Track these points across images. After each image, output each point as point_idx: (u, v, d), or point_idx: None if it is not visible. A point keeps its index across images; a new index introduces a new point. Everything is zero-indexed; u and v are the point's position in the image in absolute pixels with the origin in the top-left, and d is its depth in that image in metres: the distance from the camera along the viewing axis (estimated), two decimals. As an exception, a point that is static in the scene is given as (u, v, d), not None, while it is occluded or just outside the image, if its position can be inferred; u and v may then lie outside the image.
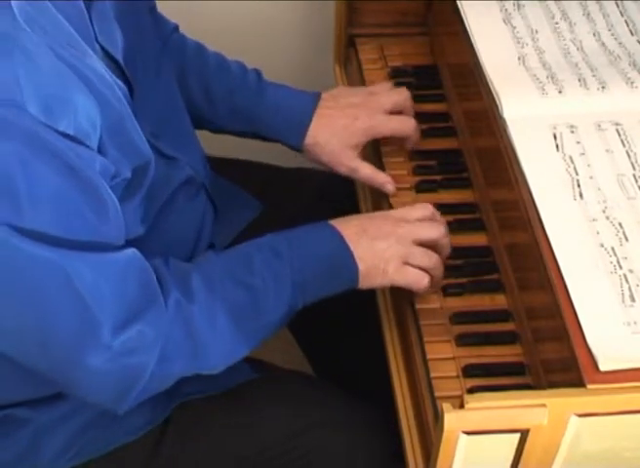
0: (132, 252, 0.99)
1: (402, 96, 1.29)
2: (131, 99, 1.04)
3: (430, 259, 1.10)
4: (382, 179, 1.25)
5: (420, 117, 1.33)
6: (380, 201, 1.27)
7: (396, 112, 1.28)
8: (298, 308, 1.08)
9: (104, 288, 0.95)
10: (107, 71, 0.99)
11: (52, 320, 0.95)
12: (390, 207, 1.24)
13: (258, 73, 1.31)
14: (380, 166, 1.29)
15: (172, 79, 1.23)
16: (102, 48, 1.02)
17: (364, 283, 1.09)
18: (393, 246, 1.08)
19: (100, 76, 0.96)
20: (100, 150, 0.95)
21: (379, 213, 1.16)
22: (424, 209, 1.13)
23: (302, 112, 1.27)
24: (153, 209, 1.09)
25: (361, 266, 1.08)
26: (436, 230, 1.11)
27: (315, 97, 1.29)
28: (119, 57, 1.05)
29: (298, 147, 1.28)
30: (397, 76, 1.39)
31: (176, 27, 1.33)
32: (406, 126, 1.27)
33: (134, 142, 1.01)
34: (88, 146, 0.93)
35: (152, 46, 1.19)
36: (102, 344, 0.96)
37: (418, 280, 1.09)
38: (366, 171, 1.26)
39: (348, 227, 1.09)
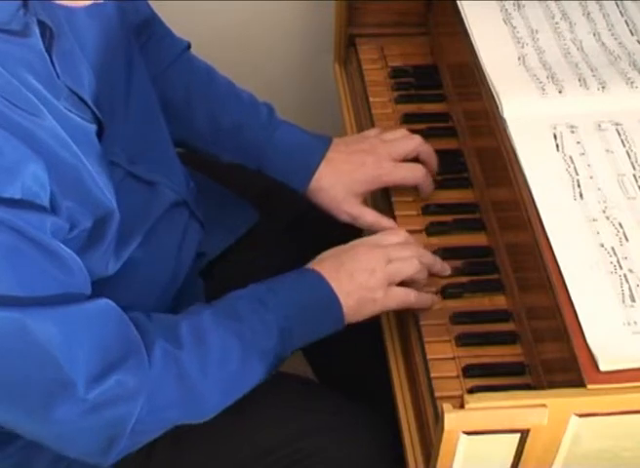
0: (104, 302, 0.97)
1: (414, 143, 1.23)
2: (98, 138, 1.02)
3: (411, 267, 1.10)
4: (386, 224, 1.21)
5: (420, 117, 1.33)
6: (383, 201, 1.27)
7: (413, 159, 1.24)
8: (287, 355, 1.08)
9: (76, 342, 0.93)
10: (68, 116, 0.97)
11: (20, 381, 0.93)
12: (391, 206, 1.24)
13: (269, 108, 1.27)
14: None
15: (150, 97, 1.18)
16: (67, 86, 0.99)
17: (355, 317, 1.09)
18: (373, 273, 1.08)
19: (55, 135, 0.94)
20: (53, 205, 0.93)
21: (351, 243, 1.13)
22: (397, 235, 1.13)
23: (311, 156, 1.22)
24: (132, 245, 1.07)
25: (349, 302, 1.08)
26: (408, 252, 1.11)
27: (326, 142, 1.24)
28: (85, 94, 1.01)
29: (301, 191, 1.23)
30: (397, 76, 1.39)
31: (186, 47, 1.29)
32: (415, 174, 1.22)
33: (93, 195, 0.99)
34: (39, 205, 0.91)
35: (122, 67, 1.14)
36: (77, 399, 0.93)
37: (406, 298, 1.10)
38: (368, 218, 1.21)
39: (325, 266, 1.09)
